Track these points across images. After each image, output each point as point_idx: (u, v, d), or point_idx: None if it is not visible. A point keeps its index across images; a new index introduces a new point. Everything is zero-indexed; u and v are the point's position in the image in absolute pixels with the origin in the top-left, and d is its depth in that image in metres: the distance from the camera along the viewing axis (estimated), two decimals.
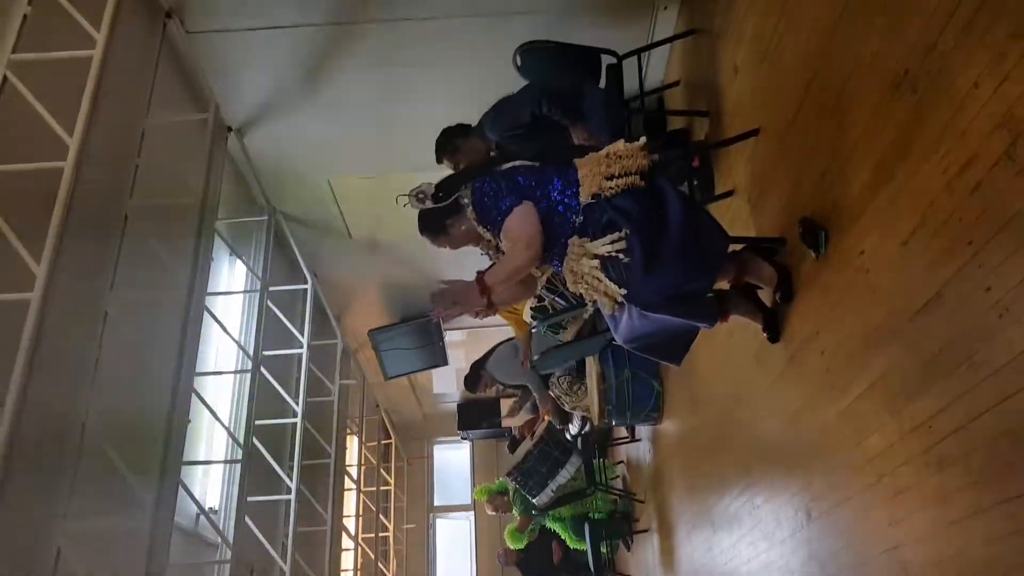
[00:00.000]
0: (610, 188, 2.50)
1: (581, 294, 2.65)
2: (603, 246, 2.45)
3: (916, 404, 2.03)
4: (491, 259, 2.87)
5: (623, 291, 2.44)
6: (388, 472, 9.46)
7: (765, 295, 3.00)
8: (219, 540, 4.38)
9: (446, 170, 3.60)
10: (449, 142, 3.72)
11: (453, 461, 10.97)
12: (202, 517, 4.07)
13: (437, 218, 2.72)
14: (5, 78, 2.70)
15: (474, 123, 3.88)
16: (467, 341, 8.41)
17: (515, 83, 4.04)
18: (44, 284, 2.33)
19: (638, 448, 6.44)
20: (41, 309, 2.29)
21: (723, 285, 2.94)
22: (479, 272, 2.61)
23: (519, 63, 4.01)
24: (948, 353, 1.89)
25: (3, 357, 2.34)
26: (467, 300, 2.58)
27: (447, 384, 9.48)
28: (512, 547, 7.08)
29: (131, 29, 3.58)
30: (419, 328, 7.40)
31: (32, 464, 2.66)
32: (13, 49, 2.77)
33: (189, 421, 3.50)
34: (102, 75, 2.82)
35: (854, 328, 2.38)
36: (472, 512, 10.35)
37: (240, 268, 5.34)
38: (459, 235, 2.73)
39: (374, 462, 8.59)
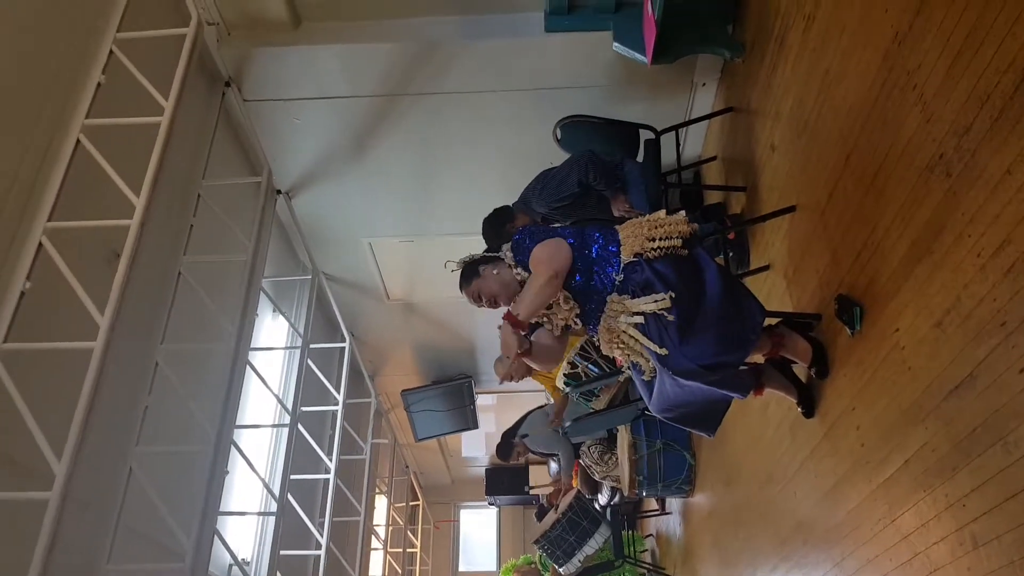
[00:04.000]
0: (653, 249, 2.54)
1: (615, 360, 2.67)
2: (646, 304, 2.48)
3: (950, 482, 2.04)
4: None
5: (663, 350, 2.45)
6: (415, 534, 9.40)
7: (800, 370, 3.03)
8: None
9: (480, 240, 3.68)
10: (496, 230, 3.77)
11: (479, 526, 10.86)
12: (234, 567, 4.10)
13: (473, 264, 2.77)
14: (78, 141, 2.87)
15: (512, 192, 3.99)
16: (497, 405, 8.44)
17: (552, 155, 4.18)
18: (107, 333, 2.45)
19: (668, 521, 6.35)
20: (103, 357, 2.41)
21: (758, 359, 2.97)
22: (506, 313, 2.59)
23: (559, 136, 4.15)
24: (981, 432, 1.91)
25: (61, 400, 2.45)
26: (505, 343, 2.56)
27: (476, 448, 9.48)
28: None
29: (193, 97, 3.79)
30: (451, 391, 7.46)
31: (83, 506, 2.76)
32: (87, 114, 2.95)
33: (227, 472, 3.57)
34: (168, 140, 2.99)
35: (889, 405, 2.39)
36: None
37: (280, 324, 5.47)
38: (490, 278, 2.71)
39: (401, 523, 8.55)
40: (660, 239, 2.56)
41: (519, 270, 2.68)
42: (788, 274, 3.30)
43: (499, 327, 2.61)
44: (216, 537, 3.35)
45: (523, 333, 2.58)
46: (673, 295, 2.45)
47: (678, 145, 4.19)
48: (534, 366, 2.83)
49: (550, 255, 2.56)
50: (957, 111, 2.01)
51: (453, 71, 4.27)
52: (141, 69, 3.10)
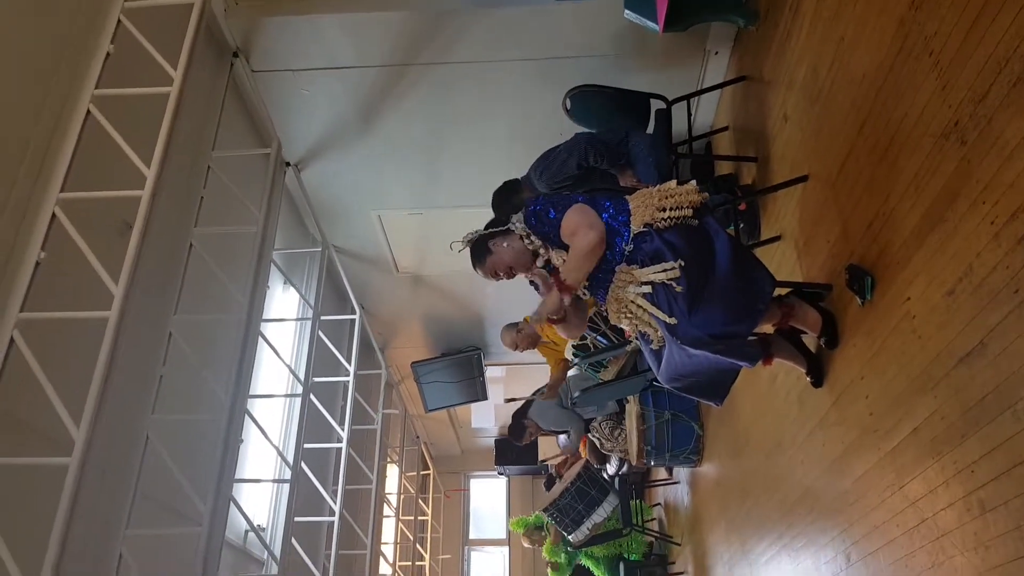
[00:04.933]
0: (662, 219, 2.55)
1: (622, 331, 2.69)
2: (655, 273, 2.48)
3: (959, 449, 2.06)
4: (538, 286, 2.90)
5: (672, 319, 2.46)
6: (426, 503, 9.52)
7: (809, 340, 3.03)
8: (264, 557, 4.48)
9: (490, 213, 3.68)
10: (507, 201, 3.77)
11: (489, 495, 10.97)
12: (250, 534, 4.17)
13: (482, 240, 2.77)
14: (88, 112, 2.88)
15: (521, 164, 3.98)
16: (506, 377, 8.48)
17: (563, 125, 4.16)
18: (121, 303, 2.47)
19: (676, 490, 6.41)
20: (117, 326, 2.43)
21: (768, 329, 2.98)
22: (554, 276, 2.63)
23: (569, 107, 4.13)
24: (992, 400, 1.92)
25: (78, 370, 2.48)
26: (553, 306, 2.59)
27: (486, 419, 9.55)
28: None
29: (202, 67, 3.78)
30: (460, 362, 7.50)
31: (102, 472, 2.81)
32: (96, 84, 2.95)
33: (242, 440, 3.62)
34: (178, 111, 2.99)
35: (898, 374, 2.40)
36: (507, 547, 10.33)
37: (291, 295, 5.51)
38: (501, 251, 2.73)
39: (412, 492, 8.65)
40: (670, 209, 2.56)
41: (532, 239, 2.69)
42: (799, 244, 3.29)
43: (542, 291, 2.68)
44: (232, 504, 3.41)
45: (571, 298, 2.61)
46: (682, 264, 2.45)
47: (689, 115, 4.16)
48: (562, 333, 2.85)
49: (589, 220, 2.57)
50: (973, 78, 1.99)
51: (462, 41, 4.24)
52: (149, 39, 3.09)
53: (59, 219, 2.61)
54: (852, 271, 2.67)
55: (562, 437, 6.80)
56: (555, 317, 2.62)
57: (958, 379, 2.07)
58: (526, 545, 7.31)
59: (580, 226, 2.56)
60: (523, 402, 6.20)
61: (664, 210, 2.56)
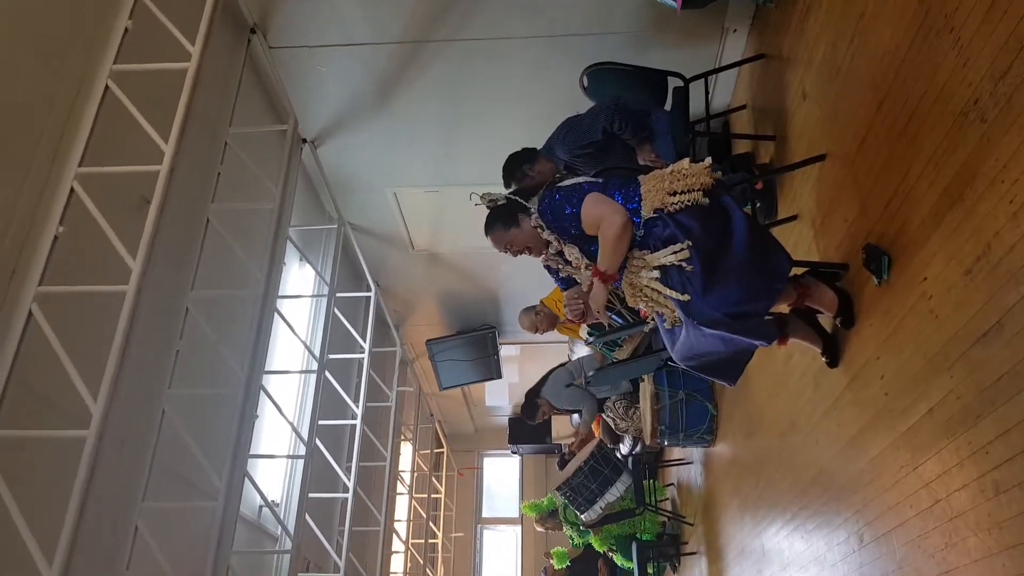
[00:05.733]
0: (673, 204, 2.55)
1: (638, 311, 2.70)
2: (665, 256, 2.50)
3: (974, 430, 2.04)
4: (554, 270, 2.92)
5: (685, 296, 2.48)
6: (439, 481, 9.59)
7: (825, 320, 3.02)
8: (279, 532, 4.54)
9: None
10: (518, 168, 3.78)
11: (502, 474, 11.04)
12: (264, 509, 4.22)
13: (511, 210, 2.80)
14: (107, 87, 2.89)
15: (537, 143, 3.97)
16: (520, 356, 8.51)
17: (580, 103, 4.13)
18: (139, 278, 2.49)
19: (689, 470, 6.42)
20: (135, 301, 2.46)
21: (783, 309, 2.97)
22: (592, 270, 2.68)
23: (586, 84, 4.10)
24: (1007, 381, 1.90)
25: (96, 344, 2.51)
26: (597, 299, 2.66)
27: (500, 397, 9.59)
28: (557, 566, 7.12)
29: (219, 43, 3.78)
30: (475, 341, 7.51)
31: (119, 445, 2.85)
32: (115, 60, 2.96)
33: (257, 416, 3.66)
34: (196, 86, 2.99)
35: (914, 354, 2.39)
36: (519, 526, 10.40)
37: (307, 272, 5.53)
38: (528, 230, 2.78)
39: (426, 470, 8.72)
40: (681, 192, 2.56)
41: (547, 233, 2.72)
42: (816, 224, 3.27)
43: (583, 284, 2.76)
44: (247, 479, 3.45)
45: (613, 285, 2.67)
46: (691, 244, 2.47)
47: (707, 93, 4.12)
48: (602, 319, 2.87)
49: (611, 207, 2.59)
50: (995, 55, 1.96)
51: (479, 17, 4.22)
52: (167, 15, 3.09)
53: (77, 194, 2.64)
54: (869, 250, 2.65)
55: (575, 416, 6.82)
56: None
57: (974, 359, 2.06)
58: (539, 529, 7.34)
59: (604, 214, 2.58)
60: (538, 380, 6.22)
61: (675, 194, 2.56)
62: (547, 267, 2.98)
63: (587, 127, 3.73)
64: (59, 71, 2.79)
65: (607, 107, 3.71)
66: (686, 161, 2.64)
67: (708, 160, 2.63)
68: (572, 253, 2.72)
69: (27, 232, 2.56)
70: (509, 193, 2.85)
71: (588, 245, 2.71)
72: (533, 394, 6.13)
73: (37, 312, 2.42)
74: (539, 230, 2.74)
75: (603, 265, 2.61)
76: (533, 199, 2.77)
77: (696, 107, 4.04)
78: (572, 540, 7.05)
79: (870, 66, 2.72)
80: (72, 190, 2.63)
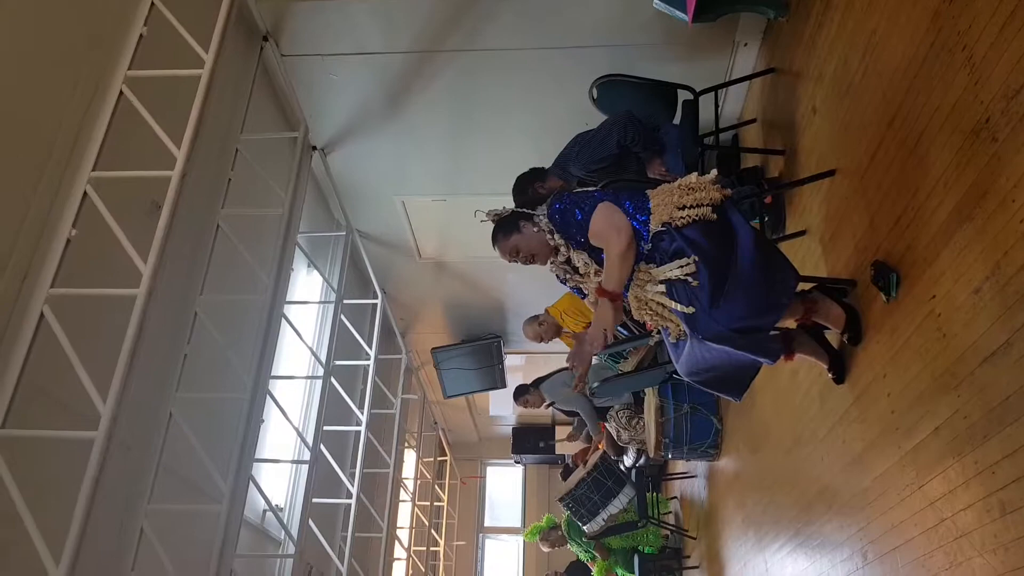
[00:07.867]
0: (681, 218, 2.55)
1: (644, 323, 2.70)
2: (671, 270, 2.50)
3: (980, 449, 2.04)
4: (561, 277, 2.91)
5: (690, 309, 2.47)
6: (442, 489, 9.58)
7: (832, 336, 3.01)
8: (282, 537, 4.55)
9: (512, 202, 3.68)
10: (529, 186, 3.77)
11: (505, 483, 11.03)
12: (267, 513, 4.23)
13: (514, 218, 2.80)
14: (121, 92, 2.92)
15: (546, 154, 3.98)
16: (525, 366, 8.50)
17: (589, 115, 4.15)
18: (150, 281, 2.51)
19: (693, 484, 6.40)
20: (145, 304, 2.47)
21: (790, 324, 2.96)
22: (597, 289, 2.63)
23: (595, 96, 4.11)
24: (1015, 401, 1.90)
25: (106, 346, 2.53)
26: (605, 318, 2.58)
27: (504, 407, 9.58)
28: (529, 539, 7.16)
29: (232, 50, 3.81)
30: (480, 350, 7.52)
31: (126, 447, 2.87)
32: (129, 65, 2.99)
33: (263, 420, 3.67)
34: (208, 93, 3.02)
35: (921, 372, 2.38)
36: (521, 535, 10.39)
37: (315, 278, 5.55)
38: (531, 235, 2.75)
39: (429, 477, 8.72)
40: (689, 207, 2.56)
41: (555, 236, 2.70)
42: (824, 239, 3.27)
43: (592, 301, 2.68)
44: (252, 483, 3.46)
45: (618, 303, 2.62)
46: (696, 259, 2.46)
47: (717, 106, 4.13)
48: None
49: (616, 223, 2.57)
50: (1007, 73, 1.97)
51: (490, 28, 4.24)
52: (182, 22, 3.12)
53: (90, 197, 2.66)
54: (878, 267, 2.65)
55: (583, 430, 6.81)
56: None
57: (982, 379, 2.05)
58: (545, 549, 7.30)
59: (608, 230, 2.57)
60: (540, 377, 6.23)
61: (683, 208, 2.56)
62: (557, 275, 2.97)
63: (601, 141, 3.74)
64: (75, 75, 2.81)
65: (620, 120, 3.72)
66: (694, 175, 2.65)
67: (714, 172, 2.64)
68: (581, 258, 2.71)
69: (40, 234, 2.58)
70: (514, 207, 2.85)
71: (598, 252, 2.70)
72: (536, 383, 6.16)
73: (49, 314, 2.44)
74: (546, 235, 2.72)
75: (607, 284, 2.59)
76: (540, 207, 2.76)
77: (706, 120, 4.05)
78: (579, 557, 7.03)
79: (881, 82, 2.73)
80: (85, 194, 2.66)
